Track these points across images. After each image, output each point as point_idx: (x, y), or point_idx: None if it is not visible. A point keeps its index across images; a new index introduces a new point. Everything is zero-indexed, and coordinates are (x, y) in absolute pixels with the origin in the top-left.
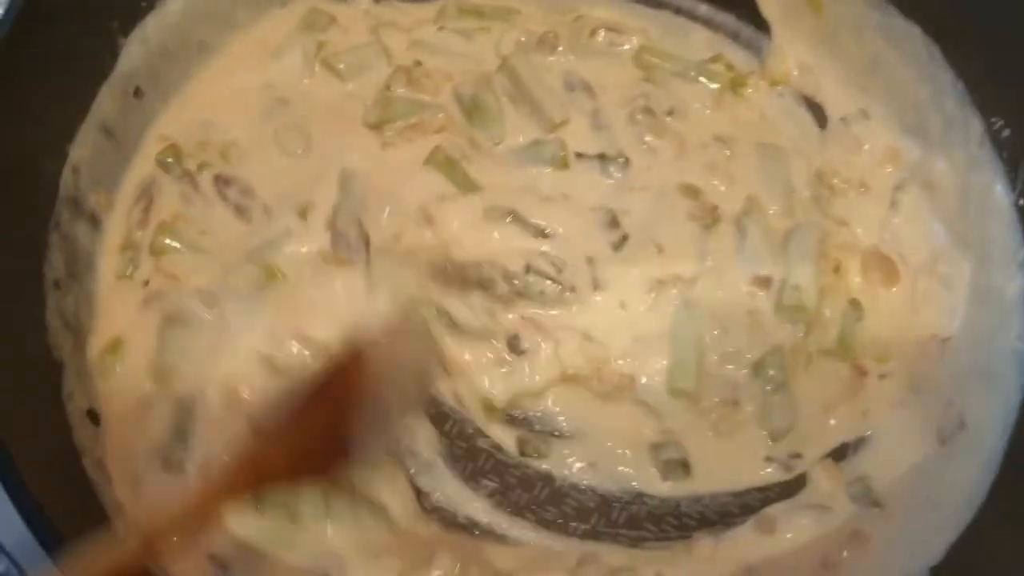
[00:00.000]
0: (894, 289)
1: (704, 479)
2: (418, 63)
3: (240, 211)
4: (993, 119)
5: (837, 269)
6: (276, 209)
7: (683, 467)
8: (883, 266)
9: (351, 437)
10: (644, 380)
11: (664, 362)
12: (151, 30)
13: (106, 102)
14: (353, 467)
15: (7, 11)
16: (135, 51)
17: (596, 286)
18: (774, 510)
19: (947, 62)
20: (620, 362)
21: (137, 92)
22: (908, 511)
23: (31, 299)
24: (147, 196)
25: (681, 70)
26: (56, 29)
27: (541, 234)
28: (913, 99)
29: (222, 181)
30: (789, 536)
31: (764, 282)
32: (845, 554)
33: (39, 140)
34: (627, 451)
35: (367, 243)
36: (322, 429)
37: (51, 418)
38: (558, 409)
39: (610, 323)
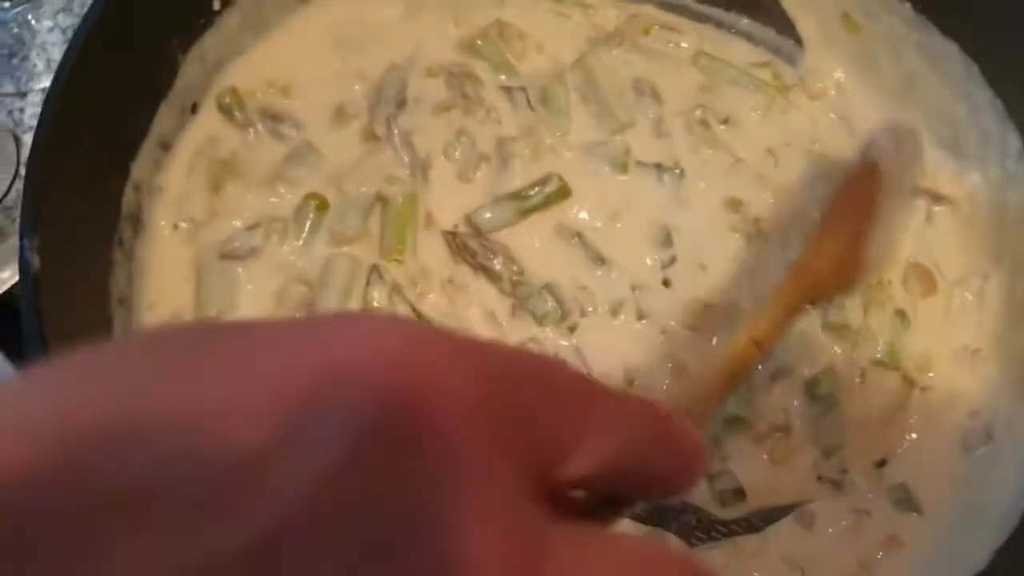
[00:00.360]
0: (931, 299)
1: (757, 500)
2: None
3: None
4: None
5: (880, 282)
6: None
7: (738, 494)
8: (922, 278)
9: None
10: None
11: None
12: (208, 47)
13: (165, 120)
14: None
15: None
16: (193, 69)
17: (640, 316)
18: (815, 507)
19: (986, 80)
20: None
21: (194, 108)
22: (948, 518)
23: (99, 319)
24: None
25: (735, 76)
26: (117, 53)
27: (599, 260)
28: (950, 117)
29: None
30: (829, 531)
31: None
32: (880, 555)
33: (103, 161)
34: None
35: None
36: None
37: None
38: None
39: (650, 352)
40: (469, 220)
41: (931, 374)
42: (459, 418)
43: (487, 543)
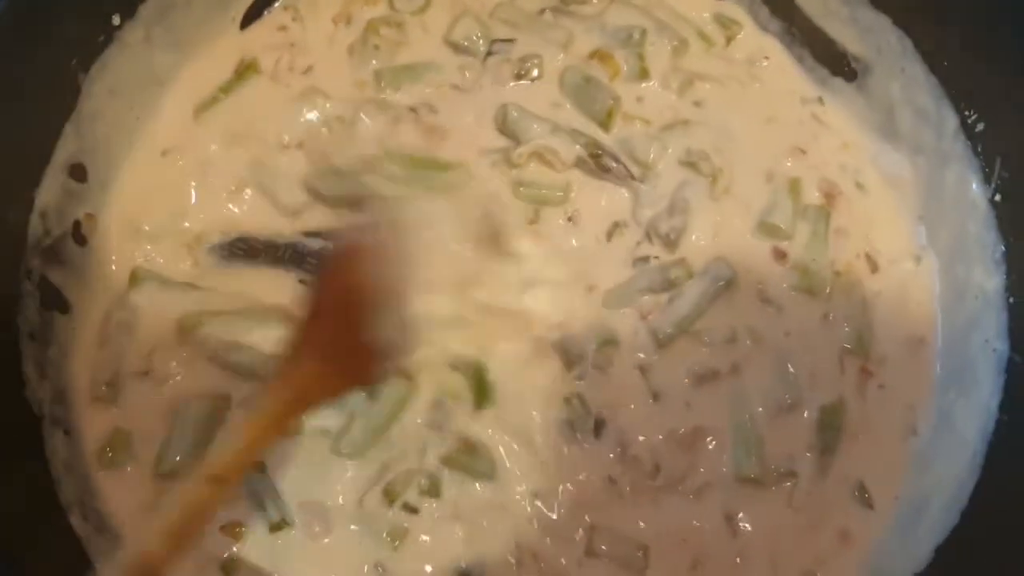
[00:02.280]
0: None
1: None
2: None
3: None
4: (967, 112)
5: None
6: None
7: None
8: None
9: (374, 337)
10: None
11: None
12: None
13: (71, 143)
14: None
15: None
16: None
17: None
18: None
19: (919, 54)
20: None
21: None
22: (896, 513)
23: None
24: None
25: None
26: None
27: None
28: (883, 92)
29: None
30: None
31: (781, 255)
32: (833, 550)
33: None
34: None
35: None
36: (344, 326)
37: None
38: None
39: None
40: None
41: (886, 366)
42: None
43: None
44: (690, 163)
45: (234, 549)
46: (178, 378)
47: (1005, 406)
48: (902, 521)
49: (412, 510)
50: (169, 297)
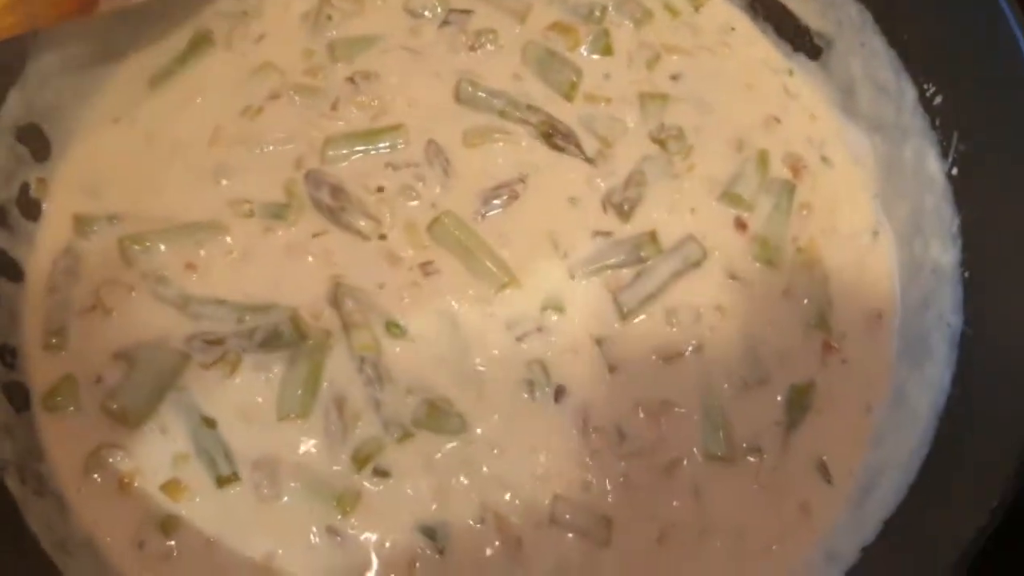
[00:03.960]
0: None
1: None
2: None
3: None
4: (926, 85)
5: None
6: None
7: None
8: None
9: None
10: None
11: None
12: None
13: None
14: None
15: None
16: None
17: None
18: None
19: (879, 27)
20: None
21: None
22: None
23: None
24: None
25: None
26: None
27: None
28: (844, 69)
29: None
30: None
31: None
32: (794, 524)
33: None
34: None
35: None
36: None
37: None
38: None
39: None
40: None
41: (846, 340)
42: None
43: None
44: (659, 140)
45: (180, 510)
46: (125, 308)
47: (957, 380)
48: (855, 496)
49: (383, 474)
50: (111, 229)
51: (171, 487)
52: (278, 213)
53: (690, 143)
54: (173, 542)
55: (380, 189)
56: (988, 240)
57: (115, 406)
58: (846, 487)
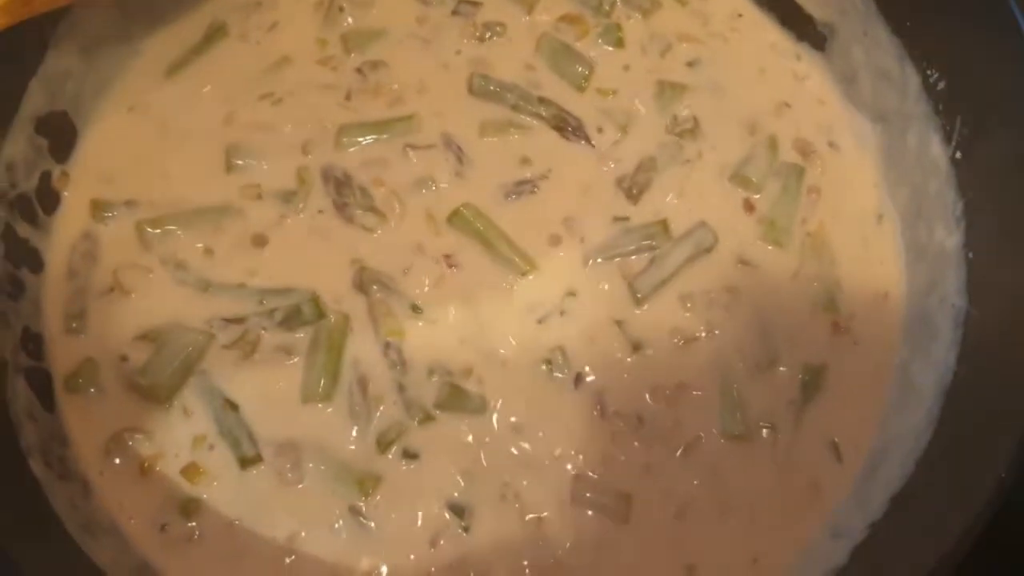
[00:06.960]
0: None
1: None
2: None
3: None
4: (929, 72)
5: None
6: None
7: None
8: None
9: None
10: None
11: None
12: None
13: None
14: None
15: None
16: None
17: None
18: None
19: (882, 14)
20: None
21: None
22: (862, 465)
23: None
24: None
25: None
26: None
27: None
28: (847, 58)
29: None
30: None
31: (750, 206)
32: (806, 503)
33: None
34: None
35: None
36: None
37: None
38: None
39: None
40: None
41: (854, 320)
42: None
43: None
44: (674, 128)
45: (201, 493)
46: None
47: (962, 359)
48: (863, 473)
49: (411, 456)
50: (128, 213)
51: (191, 471)
52: (291, 200)
53: (704, 129)
54: (195, 524)
55: (393, 179)
56: (991, 222)
57: (144, 382)
58: (855, 465)
